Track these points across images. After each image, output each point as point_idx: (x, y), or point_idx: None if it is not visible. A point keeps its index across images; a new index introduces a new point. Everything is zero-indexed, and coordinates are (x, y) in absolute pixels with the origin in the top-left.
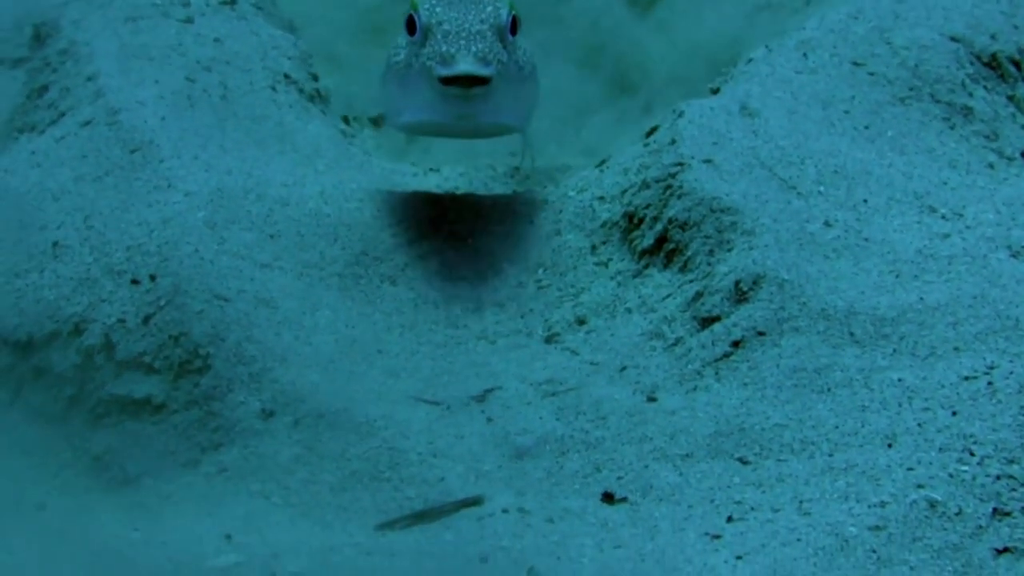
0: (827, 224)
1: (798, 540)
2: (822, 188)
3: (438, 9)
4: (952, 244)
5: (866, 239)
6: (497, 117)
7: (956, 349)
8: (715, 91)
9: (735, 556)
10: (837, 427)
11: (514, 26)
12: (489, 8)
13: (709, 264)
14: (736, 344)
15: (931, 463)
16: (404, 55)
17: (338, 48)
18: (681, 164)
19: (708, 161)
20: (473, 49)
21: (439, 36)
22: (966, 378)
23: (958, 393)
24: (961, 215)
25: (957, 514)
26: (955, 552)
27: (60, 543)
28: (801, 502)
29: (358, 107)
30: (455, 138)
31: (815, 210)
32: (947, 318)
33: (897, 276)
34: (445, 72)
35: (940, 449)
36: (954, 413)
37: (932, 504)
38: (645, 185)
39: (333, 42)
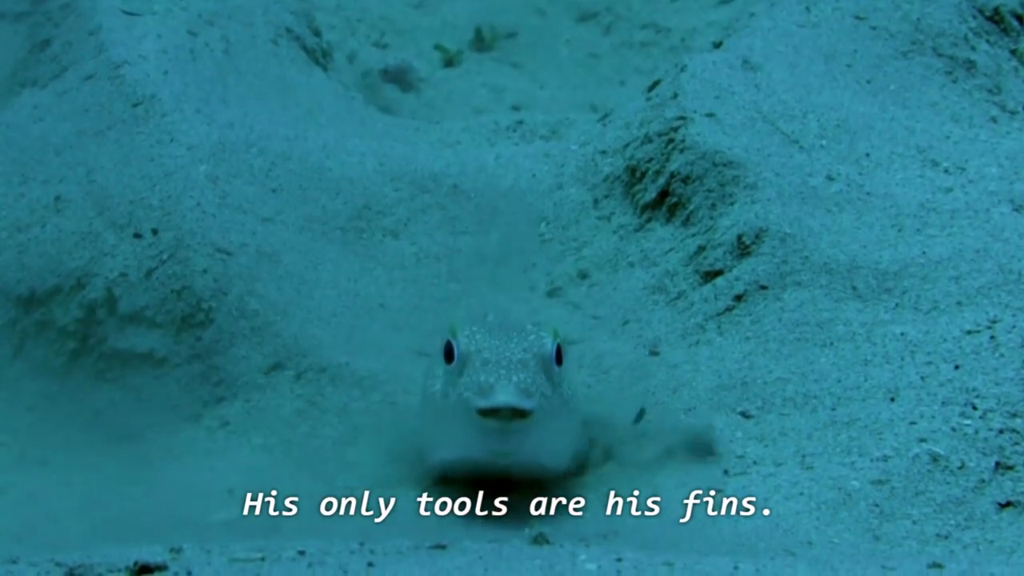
0: (829, 178)
1: (800, 494)
2: (824, 142)
3: (478, 336)
4: (955, 198)
5: (868, 193)
6: (537, 457)
7: (959, 303)
8: (717, 45)
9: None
10: (839, 381)
11: (559, 356)
12: (532, 337)
13: (711, 218)
14: (738, 298)
15: (934, 417)
16: (441, 385)
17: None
18: (683, 118)
19: (710, 115)
20: (514, 379)
21: (477, 364)
22: (969, 332)
23: (961, 347)
24: (964, 169)
25: (960, 468)
26: (958, 506)
27: (63, 497)
28: (804, 456)
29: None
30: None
31: (817, 164)
32: (949, 272)
33: (899, 230)
34: (483, 404)
35: (943, 403)
36: (957, 367)
37: (935, 458)
38: (647, 139)
39: None
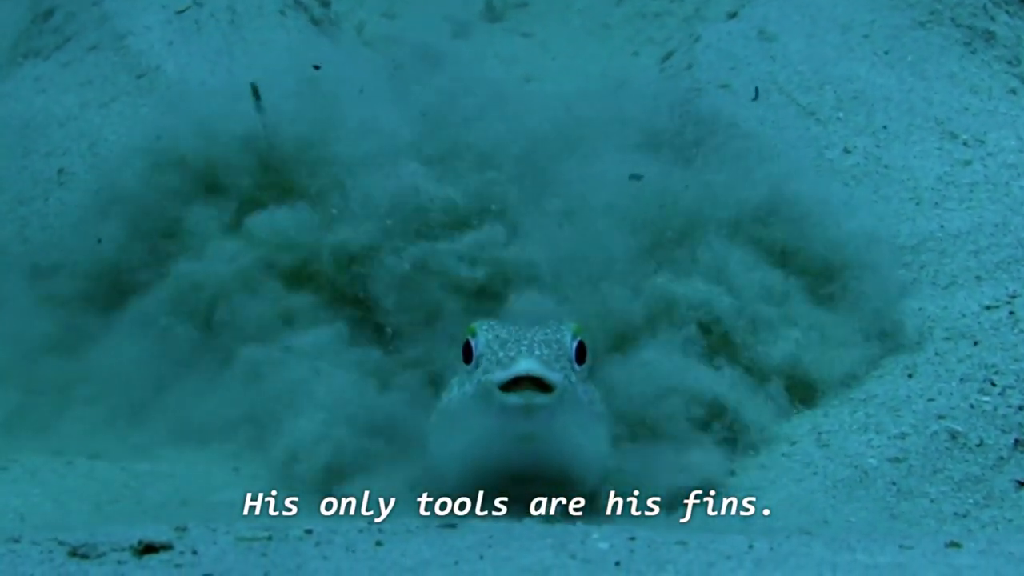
0: (846, 151)
1: (815, 473)
2: (841, 114)
3: (497, 328)
4: (973, 171)
5: (886, 166)
6: (562, 451)
7: (977, 278)
8: (732, 15)
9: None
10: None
11: (581, 355)
12: (551, 329)
13: None
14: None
15: (952, 394)
16: (457, 389)
17: None
18: (698, 89)
19: (725, 86)
20: (536, 352)
21: (496, 347)
22: (987, 307)
23: (979, 322)
24: (983, 141)
25: (978, 445)
26: (976, 484)
27: (68, 475)
28: (819, 434)
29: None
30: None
31: (834, 136)
32: (968, 246)
33: (917, 203)
34: (503, 375)
35: (961, 379)
36: (975, 343)
37: (953, 435)
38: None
39: None
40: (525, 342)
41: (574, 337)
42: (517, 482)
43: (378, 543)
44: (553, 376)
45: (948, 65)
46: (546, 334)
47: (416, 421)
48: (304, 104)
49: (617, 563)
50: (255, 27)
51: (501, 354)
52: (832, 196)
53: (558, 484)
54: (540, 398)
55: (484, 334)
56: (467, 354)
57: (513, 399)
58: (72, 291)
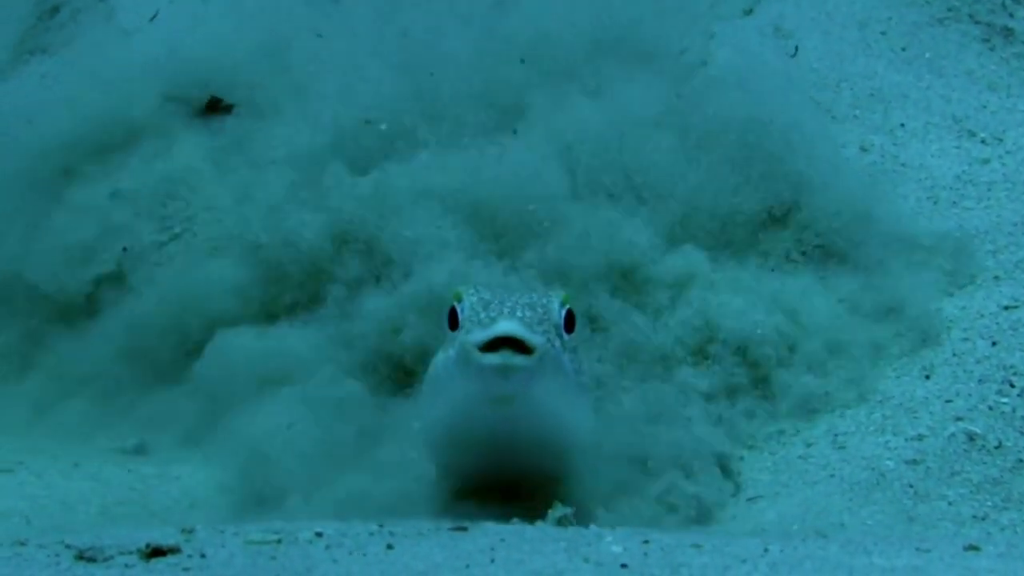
0: (863, 149)
1: (831, 476)
2: (858, 112)
3: (483, 293)
4: (992, 169)
5: (903, 164)
6: (540, 411)
7: (996, 278)
8: (748, 12)
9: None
10: None
11: (570, 324)
12: (537, 295)
13: None
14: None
15: (970, 395)
16: (441, 354)
17: None
18: (712, 87)
19: (740, 84)
20: (518, 314)
21: (479, 309)
22: (1006, 307)
23: (998, 323)
24: (1001, 140)
25: (997, 447)
26: (995, 486)
27: (75, 477)
28: (836, 435)
29: None
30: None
31: (850, 135)
32: (987, 246)
33: (935, 202)
34: (482, 335)
35: (979, 381)
36: (994, 344)
37: (971, 437)
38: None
39: None
40: (508, 304)
41: (563, 305)
42: (495, 452)
43: (389, 546)
44: (534, 338)
45: (966, 62)
46: (532, 298)
47: None
48: None
49: (631, 567)
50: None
51: (483, 315)
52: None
53: (536, 456)
54: (518, 359)
55: (469, 298)
56: (452, 320)
57: (490, 359)
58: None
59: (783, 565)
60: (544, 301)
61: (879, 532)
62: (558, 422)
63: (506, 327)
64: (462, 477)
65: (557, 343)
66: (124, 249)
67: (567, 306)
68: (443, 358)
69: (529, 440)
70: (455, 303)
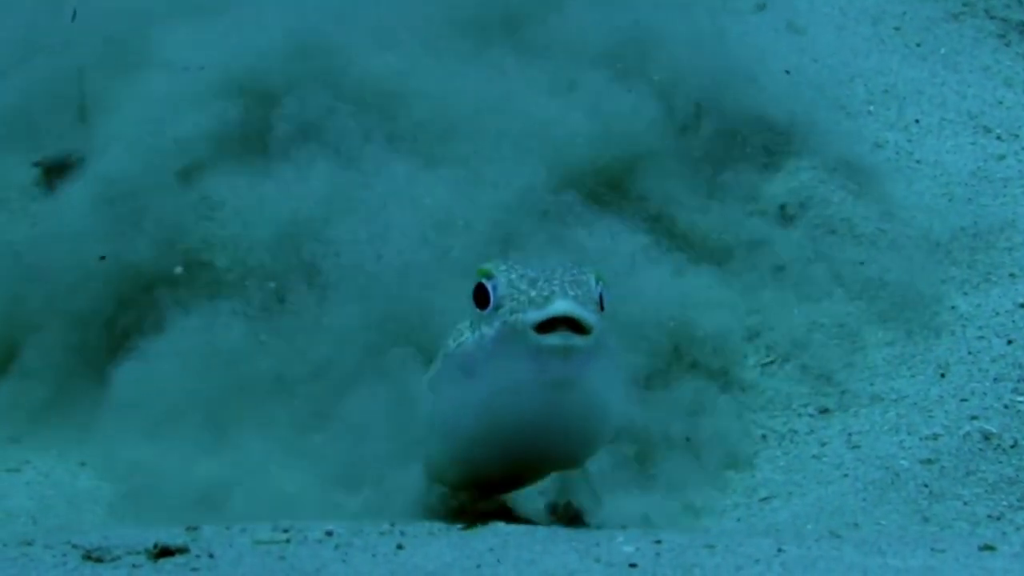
0: (877, 146)
1: (845, 475)
2: (872, 108)
3: (519, 268)
4: (1007, 166)
5: (918, 161)
6: (592, 396)
7: (1012, 275)
8: (761, 7)
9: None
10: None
11: (601, 301)
12: (576, 269)
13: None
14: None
15: (985, 394)
16: (470, 334)
17: None
18: (725, 82)
19: (753, 80)
20: (571, 293)
21: (523, 287)
22: (1022, 305)
23: (1014, 321)
24: (1017, 136)
25: (1012, 446)
26: (1011, 486)
27: (81, 476)
28: (850, 435)
29: None
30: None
31: (865, 131)
32: (1002, 243)
33: (950, 199)
34: (538, 314)
35: (995, 379)
36: (1009, 342)
37: (986, 436)
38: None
39: None
40: (556, 280)
41: (597, 282)
42: (538, 441)
43: (399, 546)
44: (591, 317)
45: (981, 58)
46: (573, 275)
47: None
48: None
49: (642, 567)
50: None
51: (533, 293)
52: None
53: (576, 443)
54: (578, 339)
55: (504, 274)
56: (481, 298)
57: (550, 339)
58: None
59: (796, 566)
60: (583, 277)
61: (893, 532)
62: (606, 407)
63: (564, 306)
64: (478, 474)
65: (602, 324)
66: None
67: (601, 284)
68: (475, 339)
69: (578, 426)
70: (483, 279)
